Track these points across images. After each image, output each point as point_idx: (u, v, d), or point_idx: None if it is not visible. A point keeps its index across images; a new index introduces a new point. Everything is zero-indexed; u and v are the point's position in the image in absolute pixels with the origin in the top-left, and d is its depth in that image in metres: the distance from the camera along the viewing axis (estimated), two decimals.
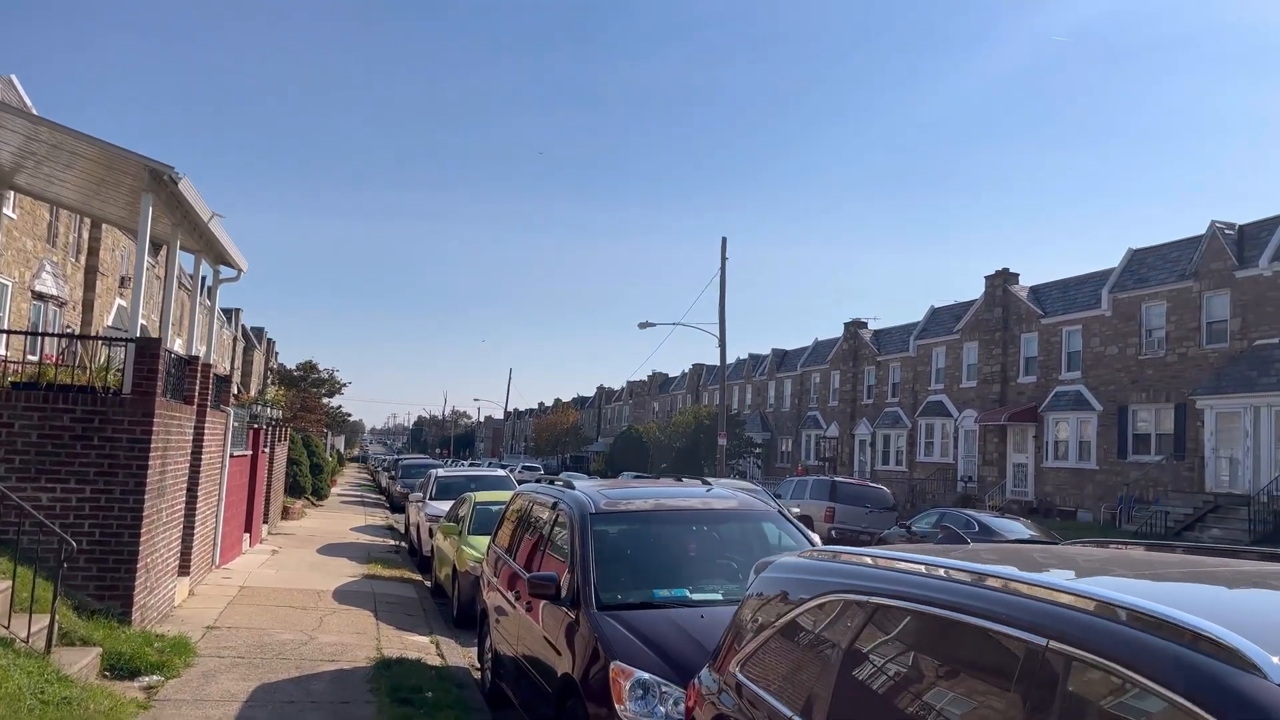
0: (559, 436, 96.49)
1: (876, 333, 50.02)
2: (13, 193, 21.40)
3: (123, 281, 31.18)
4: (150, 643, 8.53)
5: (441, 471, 23.30)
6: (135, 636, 8.53)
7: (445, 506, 17.90)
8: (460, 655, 10.58)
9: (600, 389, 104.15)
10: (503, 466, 43.53)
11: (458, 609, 12.73)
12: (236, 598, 12.40)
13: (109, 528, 8.94)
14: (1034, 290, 38.11)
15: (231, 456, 14.95)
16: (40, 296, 24.11)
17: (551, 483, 8.88)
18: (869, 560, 3.33)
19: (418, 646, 10.59)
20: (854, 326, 50.55)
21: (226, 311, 60.01)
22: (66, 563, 8.25)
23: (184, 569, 12.00)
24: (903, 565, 3.05)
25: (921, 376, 44.22)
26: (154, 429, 9.13)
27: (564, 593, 6.59)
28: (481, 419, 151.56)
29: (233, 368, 56.26)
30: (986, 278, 39.70)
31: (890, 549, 3.52)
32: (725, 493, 7.98)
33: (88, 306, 27.82)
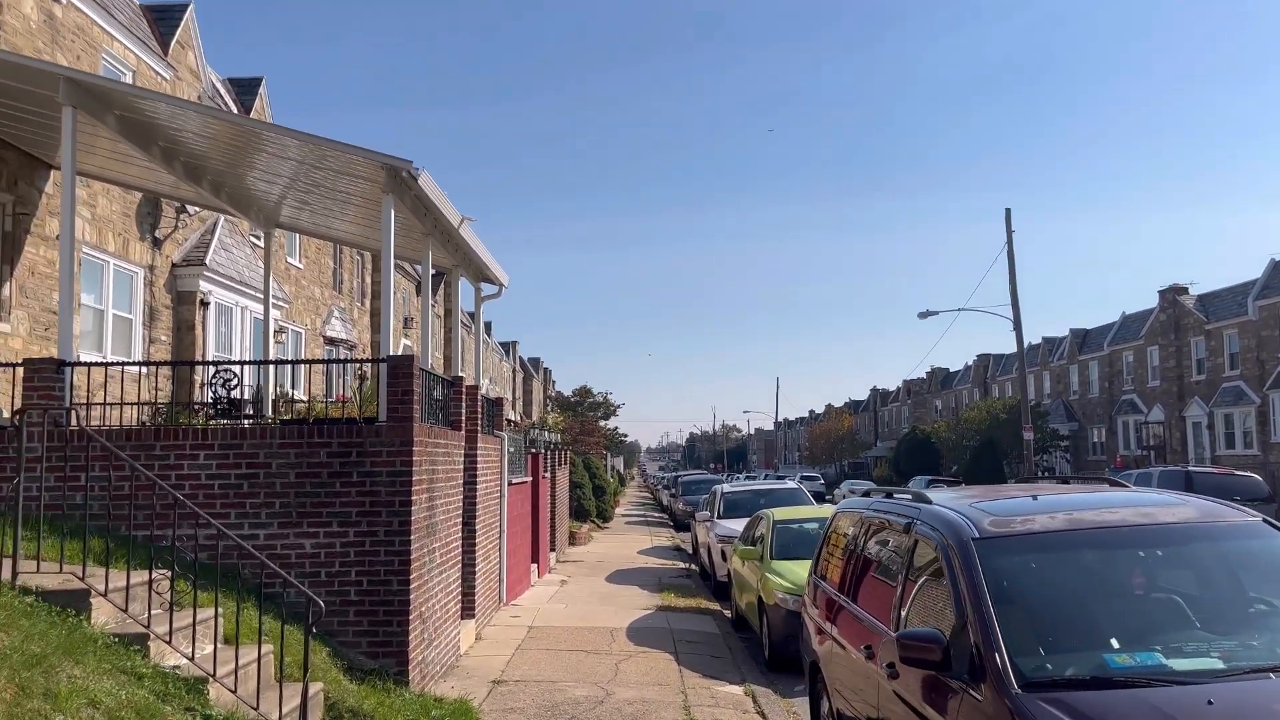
0: (834, 443, 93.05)
1: (1201, 298, 43.14)
2: (299, 241, 22.37)
3: (406, 322, 32.38)
4: (428, 710, 7.26)
5: (728, 487, 21.61)
6: (412, 702, 7.31)
7: (736, 526, 16.30)
8: (783, 712, 8.64)
9: (874, 390, 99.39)
10: (779, 478, 41.48)
11: (770, 649, 10.82)
12: (525, 641, 11.20)
13: (376, 575, 7.83)
14: None
15: (510, 484, 13.98)
16: (331, 341, 25.10)
17: (889, 496, 6.74)
18: None
19: (731, 701, 8.76)
20: (1172, 293, 43.91)
21: (505, 345, 62.44)
22: (330, 619, 7.20)
23: (468, 611, 10.95)
24: None
25: (1268, 342, 37.37)
26: (414, 458, 7.95)
27: (954, 660, 4.46)
28: (751, 431, 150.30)
29: (513, 398, 58.26)
30: None
31: None
32: (1171, 498, 5.49)
33: (375, 348, 28.89)
